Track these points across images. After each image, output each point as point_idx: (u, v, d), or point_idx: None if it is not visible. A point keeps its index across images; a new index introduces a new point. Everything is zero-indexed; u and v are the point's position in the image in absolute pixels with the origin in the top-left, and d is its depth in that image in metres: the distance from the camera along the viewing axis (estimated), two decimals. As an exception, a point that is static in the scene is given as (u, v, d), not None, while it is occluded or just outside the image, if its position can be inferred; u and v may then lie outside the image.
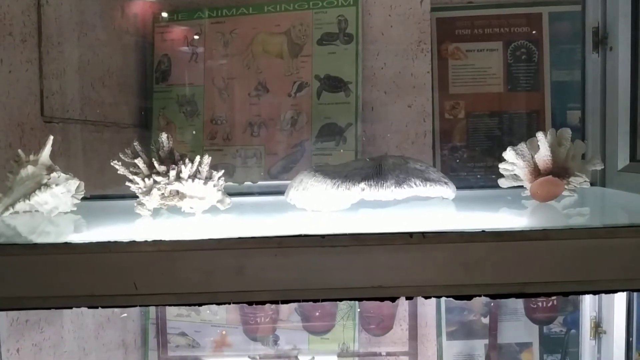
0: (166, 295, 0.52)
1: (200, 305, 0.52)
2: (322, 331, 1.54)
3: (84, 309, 1.32)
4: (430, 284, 0.53)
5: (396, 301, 0.51)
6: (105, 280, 0.52)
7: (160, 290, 0.52)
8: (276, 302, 0.52)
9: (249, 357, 1.53)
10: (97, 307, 0.52)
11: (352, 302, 1.53)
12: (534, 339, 1.64)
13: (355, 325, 1.54)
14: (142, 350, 1.61)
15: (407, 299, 0.53)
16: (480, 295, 0.53)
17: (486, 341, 1.61)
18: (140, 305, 0.51)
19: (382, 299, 0.52)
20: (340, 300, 0.53)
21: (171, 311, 1.58)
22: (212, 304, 0.52)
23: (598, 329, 0.81)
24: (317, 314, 1.52)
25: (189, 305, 0.52)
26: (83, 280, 0.52)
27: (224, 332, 1.58)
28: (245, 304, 1.30)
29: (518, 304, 1.59)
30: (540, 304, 1.52)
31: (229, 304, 0.52)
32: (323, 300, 0.52)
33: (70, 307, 0.52)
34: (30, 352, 1.10)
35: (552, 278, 0.53)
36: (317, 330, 1.55)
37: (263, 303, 0.52)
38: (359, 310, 1.54)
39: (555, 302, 1.52)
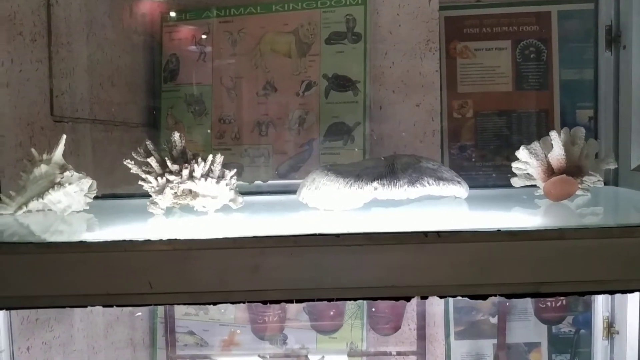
0: (180, 294, 0.52)
1: (214, 304, 0.52)
2: (330, 330, 1.54)
3: (94, 308, 1.32)
4: (445, 284, 0.53)
5: (410, 300, 0.51)
6: (120, 279, 0.52)
7: (174, 289, 0.52)
8: (290, 301, 0.52)
9: (258, 356, 1.53)
10: (112, 306, 0.52)
11: (361, 301, 1.52)
12: (543, 339, 1.63)
13: (363, 324, 1.54)
14: (151, 349, 1.61)
15: (421, 298, 0.53)
16: (495, 295, 0.52)
17: (494, 341, 1.60)
18: (155, 304, 0.51)
19: (396, 299, 0.52)
20: (355, 299, 0.53)
21: (179, 310, 1.58)
22: (226, 302, 0.52)
23: (611, 329, 0.81)
24: (326, 313, 1.52)
25: (204, 304, 0.52)
26: (98, 279, 0.52)
27: (234, 331, 1.58)
28: (258, 303, 1.30)
29: (527, 303, 1.58)
30: (549, 303, 1.51)
31: (244, 302, 0.52)
32: (337, 300, 0.52)
33: (85, 306, 0.52)
34: (40, 351, 1.11)
35: (567, 278, 0.53)
36: (325, 330, 1.55)
37: (278, 302, 0.52)
38: (367, 309, 1.54)
39: (564, 302, 1.51)
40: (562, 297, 1.51)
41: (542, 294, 0.52)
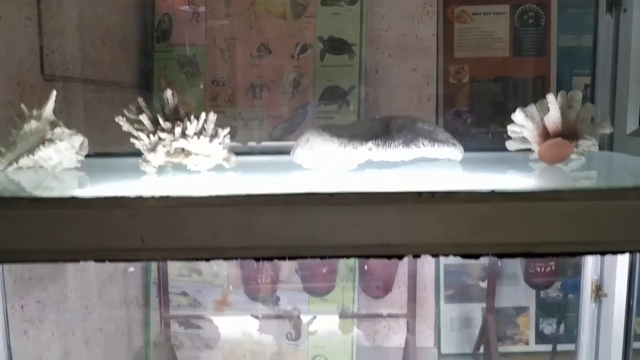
0: (173, 250, 0.52)
1: (207, 260, 0.52)
2: (322, 292, 1.56)
3: (87, 266, 1.33)
4: (438, 243, 0.53)
5: (402, 259, 0.51)
6: (112, 234, 0.52)
7: (167, 245, 0.52)
8: (283, 259, 0.52)
9: (251, 316, 1.55)
10: (104, 261, 0.52)
11: (352, 264, 1.54)
12: (531, 304, 1.66)
13: (354, 287, 1.56)
14: (144, 309, 1.63)
15: (414, 257, 0.53)
16: (487, 255, 0.53)
17: (483, 305, 1.63)
18: (147, 260, 0.51)
19: (389, 257, 0.52)
20: (348, 257, 0.53)
21: (173, 271, 1.59)
22: (219, 259, 0.52)
23: (599, 292, 0.82)
24: (318, 276, 1.53)
25: (196, 259, 0.52)
26: (90, 234, 0.52)
27: (226, 292, 1.59)
28: (250, 262, 1.31)
29: (517, 268, 1.61)
30: (538, 269, 1.54)
31: (236, 259, 0.52)
32: (330, 257, 0.52)
33: (77, 261, 0.52)
34: (34, 309, 1.12)
35: (559, 239, 0.53)
36: (317, 292, 1.57)
37: (270, 259, 0.52)
38: (359, 272, 1.56)
39: (553, 267, 1.53)
40: (551, 263, 1.53)
41: (534, 254, 0.53)
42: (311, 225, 0.52)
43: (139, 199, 0.52)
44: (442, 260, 1.60)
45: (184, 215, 0.52)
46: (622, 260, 0.80)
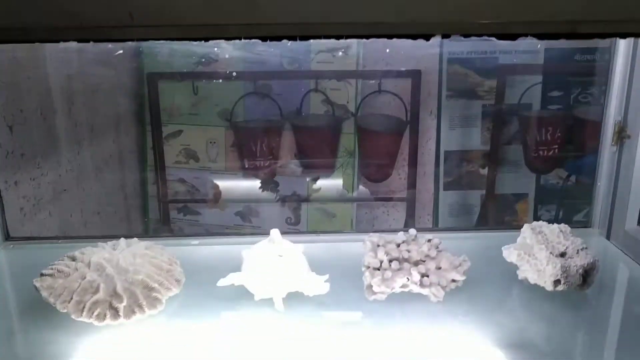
0: (166, 28, 0.45)
1: (206, 40, 0.46)
2: (321, 177, 1.55)
3: (82, 151, 1.29)
4: (471, 20, 0.45)
5: (430, 40, 0.45)
6: (96, 9, 0.44)
7: (159, 21, 0.44)
8: (293, 38, 0.45)
9: (250, 201, 1.54)
10: (87, 41, 0.46)
11: (352, 149, 1.51)
12: (531, 190, 1.65)
13: (354, 172, 1.54)
14: (142, 198, 1.62)
15: (443, 37, 0.46)
16: (527, 36, 0.46)
17: (482, 192, 1.63)
18: (137, 40, 0.45)
19: (414, 37, 0.45)
20: (367, 37, 0.46)
21: (169, 158, 1.57)
22: (219, 38, 0.45)
23: (622, 134, 0.78)
24: (317, 161, 1.51)
25: (193, 39, 0.46)
26: (71, 9, 0.43)
27: (224, 179, 1.57)
28: (247, 135, 1.24)
29: (518, 155, 1.58)
30: (540, 152, 1.51)
31: (239, 39, 0.45)
32: (347, 37, 0.45)
33: (57, 41, 0.45)
34: (29, 187, 1.09)
35: (607, 17, 0.45)
36: (316, 177, 1.55)
37: (278, 39, 0.45)
38: (358, 158, 1.53)
39: (556, 150, 1.51)
40: (554, 146, 1.50)
41: (578, 35, 0.45)
42: (326, -1, 0.44)
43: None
44: (443, 146, 1.57)
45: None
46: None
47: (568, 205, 1.62)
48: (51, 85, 1.20)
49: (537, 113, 1.53)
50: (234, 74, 1.48)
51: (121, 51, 1.44)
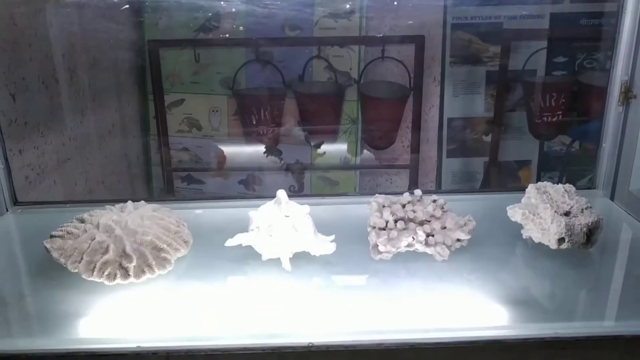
0: None
1: None
2: (323, 149, 1.54)
3: (84, 119, 1.29)
4: None
5: None
6: None
7: None
8: None
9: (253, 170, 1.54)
10: None
11: (355, 117, 1.50)
12: (534, 157, 1.65)
13: (357, 139, 1.54)
14: (145, 166, 1.62)
15: None
16: None
17: (486, 159, 1.62)
18: None
19: None
20: None
21: (172, 127, 1.56)
22: None
23: (628, 94, 0.78)
24: (320, 128, 1.51)
25: None
26: None
27: (228, 147, 1.57)
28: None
29: (522, 121, 1.58)
30: (544, 118, 1.51)
31: None
32: None
33: None
34: (33, 155, 1.10)
35: None
36: (319, 144, 1.55)
37: None
38: (361, 125, 1.53)
39: (560, 116, 1.50)
40: (557, 112, 1.49)
41: None
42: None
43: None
44: (446, 113, 1.56)
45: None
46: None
47: (571, 172, 1.62)
48: (52, 53, 1.19)
49: (541, 79, 1.52)
50: (241, 28, 1.45)
51: (127, 5, 1.42)
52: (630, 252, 0.74)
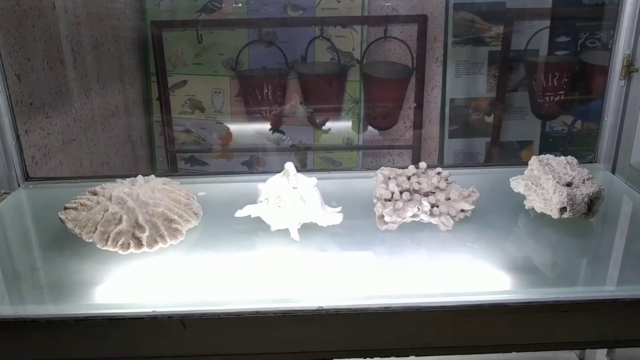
0: None
1: None
2: (328, 126, 1.55)
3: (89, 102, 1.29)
4: None
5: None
6: None
7: None
8: None
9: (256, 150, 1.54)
10: None
11: (357, 97, 1.51)
12: (536, 137, 1.66)
13: (360, 120, 1.55)
14: (149, 148, 1.63)
15: None
16: None
17: (488, 139, 1.63)
18: None
19: None
20: None
21: (175, 109, 1.57)
22: None
23: (630, 68, 0.79)
24: (323, 107, 1.52)
25: None
26: None
27: (230, 128, 1.58)
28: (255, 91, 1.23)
29: (524, 102, 1.59)
30: (547, 98, 1.51)
31: None
32: None
33: None
34: (39, 136, 1.11)
35: None
36: (322, 124, 1.55)
37: None
38: (364, 104, 1.54)
39: (562, 96, 1.51)
40: (560, 92, 1.50)
41: None
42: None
43: None
44: (448, 93, 1.57)
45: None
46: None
47: (572, 152, 1.62)
48: (56, 34, 1.20)
49: (543, 59, 1.52)
50: (243, 8, 1.45)
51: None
52: (630, 222, 0.76)
